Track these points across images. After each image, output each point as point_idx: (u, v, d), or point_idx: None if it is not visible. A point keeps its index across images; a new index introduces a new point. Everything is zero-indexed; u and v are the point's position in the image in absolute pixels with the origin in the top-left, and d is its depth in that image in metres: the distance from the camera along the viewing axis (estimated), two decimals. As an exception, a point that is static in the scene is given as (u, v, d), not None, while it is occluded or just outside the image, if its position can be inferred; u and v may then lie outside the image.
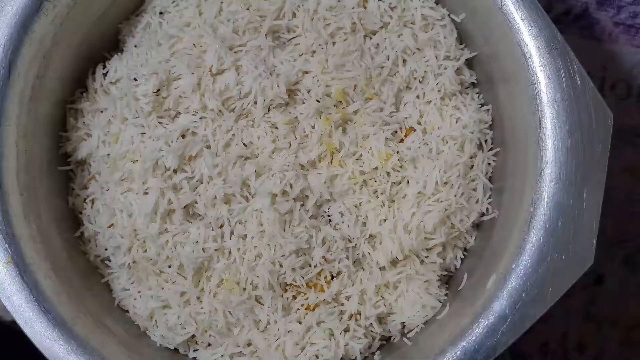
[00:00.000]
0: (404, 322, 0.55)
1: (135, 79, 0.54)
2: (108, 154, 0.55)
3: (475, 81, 0.57)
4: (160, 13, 0.58)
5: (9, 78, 0.47)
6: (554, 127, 0.46)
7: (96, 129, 0.55)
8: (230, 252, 0.53)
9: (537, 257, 0.45)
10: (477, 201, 0.55)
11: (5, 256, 0.45)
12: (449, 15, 0.56)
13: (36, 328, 0.44)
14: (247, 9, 0.55)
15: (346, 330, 0.53)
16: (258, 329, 0.53)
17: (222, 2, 0.56)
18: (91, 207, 0.55)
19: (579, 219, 0.45)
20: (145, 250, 0.53)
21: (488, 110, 0.56)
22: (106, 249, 0.55)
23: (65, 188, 0.56)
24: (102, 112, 0.56)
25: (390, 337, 0.56)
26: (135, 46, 0.57)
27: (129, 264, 0.54)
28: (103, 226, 0.54)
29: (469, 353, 0.44)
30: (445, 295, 0.55)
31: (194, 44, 0.55)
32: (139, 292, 0.54)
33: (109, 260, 0.55)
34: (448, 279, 0.57)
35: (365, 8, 0.56)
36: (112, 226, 0.54)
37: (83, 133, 0.56)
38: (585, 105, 0.46)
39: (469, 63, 0.57)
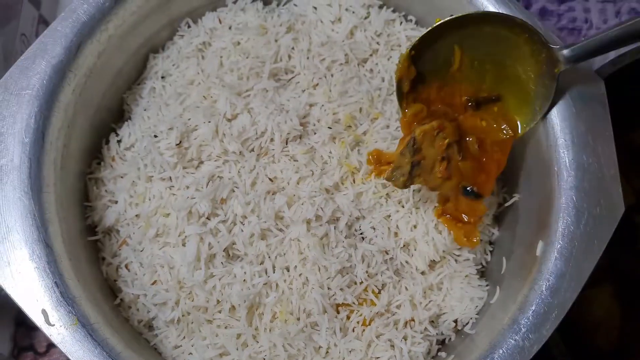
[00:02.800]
0: (456, 319, 0.56)
1: (155, 136, 0.56)
2: (137, 215, 0.55)
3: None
4: (162, 77, 0.60)
5: (43, 147, 0.47)
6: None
7: (121, 193, 0.55)
8: (277, 284, 0.53)
9: (576, 215, 0.48)
10: (493, 193, 0.58)
11: (71, 318, 0.43)
12: (429, 32, 0.61)
13: (115, 384, 0.43)
14: (247, 57, 0.59)
15: (404, 338, 0.54)
16: (320, 355, 0.53)
17: (221, 57, 0.59)
18: (127, 272, 0.54)
19: (600, 173, 0.48)
20: (193, 299, 0.52)
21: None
22: (148, 311, 0.54)
23: (98, 258, 0.55)
24: (122, 177, 0.56)
25: (444, 339, 0.57)
26: (145, 110, 0.59)
27: (178, 318, 0.53)
28: (145, 285, 0.53)
29: (540, 315, 0.45)
30: (487, 285, 0.57)
31: (203, 96, 0.57)
32: (193, 345, 0.53)
33: (154, 320, 0.54)
34: (484, 272, 0.59)
35: (353, 39, 0.60)
36: (155, 283, 0.53)
37: (107, 200, 0.56)
38: (579, 78, 0.51)
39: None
